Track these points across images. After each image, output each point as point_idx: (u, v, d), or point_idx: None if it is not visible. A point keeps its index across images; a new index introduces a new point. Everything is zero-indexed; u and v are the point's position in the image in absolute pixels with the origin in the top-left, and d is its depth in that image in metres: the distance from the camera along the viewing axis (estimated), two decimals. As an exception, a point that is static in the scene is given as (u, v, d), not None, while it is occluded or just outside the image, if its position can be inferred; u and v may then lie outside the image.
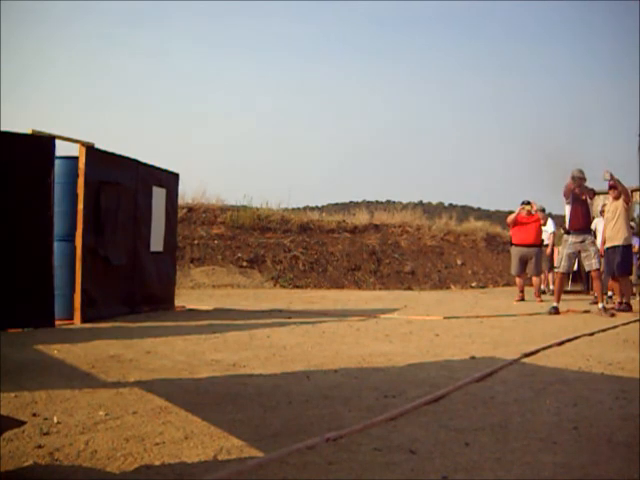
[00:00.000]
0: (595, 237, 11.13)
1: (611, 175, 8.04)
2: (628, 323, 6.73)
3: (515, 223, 10.88)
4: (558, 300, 8.08)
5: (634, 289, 12.17)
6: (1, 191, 5.53)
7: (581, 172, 7.97)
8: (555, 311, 7.86)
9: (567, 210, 8.62)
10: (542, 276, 12.95)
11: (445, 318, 7.18)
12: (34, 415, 2.69)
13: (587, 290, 12.48)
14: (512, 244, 11.08)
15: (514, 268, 10.98)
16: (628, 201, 8.34)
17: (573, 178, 7.89)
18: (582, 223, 7.93)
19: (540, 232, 10.97)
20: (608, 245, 8.45)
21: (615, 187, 8.20)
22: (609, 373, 3.82)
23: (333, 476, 2.02)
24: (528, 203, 10.73)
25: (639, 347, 4.79)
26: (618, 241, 8.26)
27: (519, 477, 2.02)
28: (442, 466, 2.10)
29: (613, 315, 7.59)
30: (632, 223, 13.22)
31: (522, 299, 10.49)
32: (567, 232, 8.26)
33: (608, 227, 8.48)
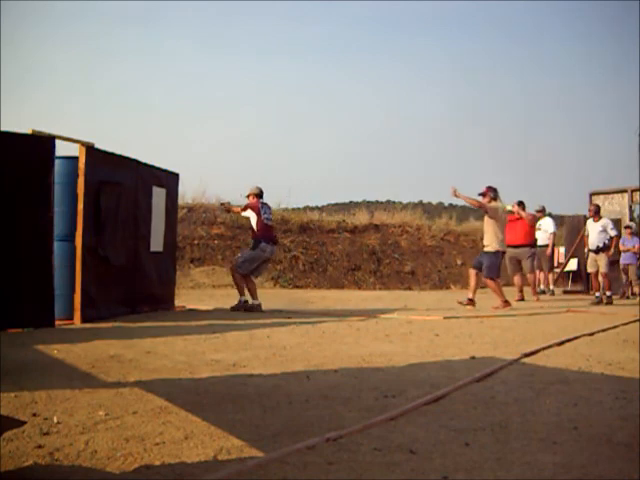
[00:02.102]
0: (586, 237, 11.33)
1: (455, 192, 8.51)
2: (628, 323, 6.73)
3: (506, 224, 10.95)
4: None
5: (635, 288, 12.18)
6: (1, 191, 5.53)
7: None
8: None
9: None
10: (542, 275, 12.95)
11: (445, 318, 7.18)
12: (34, 415, 2.69)
13: (587, 290, 12.49)
14: None
15: (508, 269, 11.11)
16: (486, 210, 8.69)
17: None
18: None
19: (529, 231, 10.96)
20: (484, 250, 8.85)
21: (482, 205, 8.73)
22: (609, 373, 3.82)
23: (333, 476, 2.02)
24: (520, 203, 10.80)
25: (639, 347, 4.79)
26: (489, 248, 8.66)
27: (519, 477, 2.02)
28: (442, 466, 2.10)
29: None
30: (631, 223, 13.25)
31: (521, 299, 10.49)
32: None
33: (484, 236, 8.92)
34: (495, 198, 8.68)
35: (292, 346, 4.86)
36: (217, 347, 4.80)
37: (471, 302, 8.54)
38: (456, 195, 8.53)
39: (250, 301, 7.96)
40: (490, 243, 8.61)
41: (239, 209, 8.49)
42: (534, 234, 11.35)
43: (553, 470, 2.07)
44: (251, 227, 8.22)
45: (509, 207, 10.66)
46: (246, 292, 8.00)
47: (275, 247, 8.49)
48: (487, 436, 2.46)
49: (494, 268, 8.60)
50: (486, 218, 8.75)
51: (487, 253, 8.66)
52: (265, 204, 8.26)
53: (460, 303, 8.54)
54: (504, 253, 8.90)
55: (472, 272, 8.82)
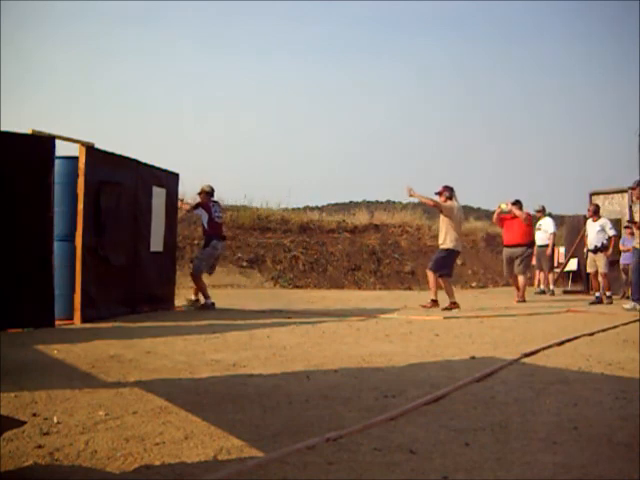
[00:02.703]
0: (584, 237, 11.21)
1: (410, 191, 8.44)
2: (628, 323, 6.73)
3: (503, 224, 10.73)
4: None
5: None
6: (1, 191, 5.53)
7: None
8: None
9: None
10: (542, 275, 12.94)
11: (445, 318, 7.19)
12: (34, 415, 2.69)
13: (587, 290, 12.48)
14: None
15: (505, 270, 10.91)
16: (441, 209, 8.63)
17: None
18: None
19: (527, 230, 10.55)
20: (439, 248, 8.77)
21: (436, 204, 8.65)
22: (609, 373, 3.82)
23: (333, 476, 2.02)
24: (516, 202, 10.48)
25: (639, 347, 4.79)
26: (443, 246, 8.59)
27: (519, 477, 2.02)
28: (442, 466, 2.10)
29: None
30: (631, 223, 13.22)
31: (522, 300, 10.45)
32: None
33: (439, 235, 8.84)
34: (451, 197, 8.61)
35: (292, 346, 4.86)
36: (217, 347, 4.80)
37: (435, 303, 8.39)
38: (412, 194, 8.50)
39: (202, 300, 8.24)
40: (444, 241, 8.56)
41: (189, 206, 8.64)
42: (532, 233, 10.95)
43: (553, 470, 2.07)
44: (202, 225, 8.41)
45: (504, 206, 10.47)
46: (199, 293, 8.32)
47: (225, 243, 8.82)
48: (487, 436, 2.46)
49: (441, 264, 8.53)
50: (442, 217, 8.68)
51: (440, 251, 8.63)
52: (216, 202, 8.53)
53: (424, 307, 8.33)
54: (458, 253, 8.82)
55: (429, 273, 8.74)
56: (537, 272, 13.32)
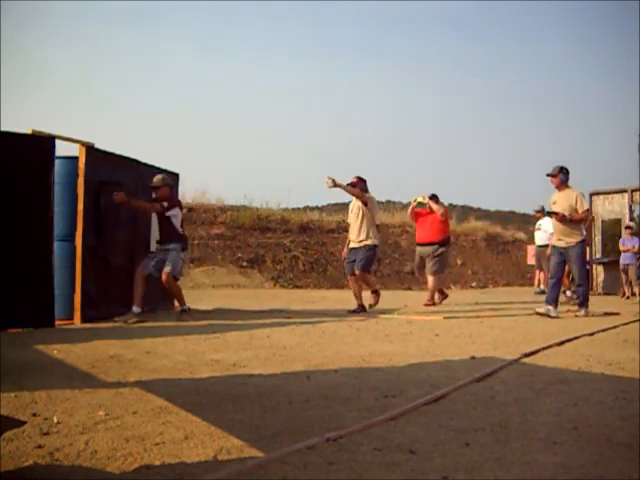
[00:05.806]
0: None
1: (333, 182, 7.81)
2: (628, 323, 6.73)
3: (417, 219, 9.72)
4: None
5: (635, 289, 12.17)
6: (1, 191, 5.53)
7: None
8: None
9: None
10: (542, 275, 12.93)
11: (445, 318, 7.19)
12: (34, 415, 2.69)
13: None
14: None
15: (416, 269, 9.96)
16: (365, 201, 8.08)
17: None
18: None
19: (441, 228, 9.39)
20: (351, 246, 8.17)
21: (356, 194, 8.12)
22: (609, 373, 3.82)
23: (333, 476, 2.02)
24: (433, 197, 9.47)
25: (639, 347, 4.79)
26: (368, 242, 8.02)
27: (519, 477, 2.02)
28: (442, 466, 2.10)
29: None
30: (631, 223, 13.24)
31: (432, 303, 9.25)
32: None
33: (353, 228, 8.18)
34: (366, 190, 8.13)
35: (292, 346, 4.86)
36: (217, 347, 4.80)
37: (363, 308, 7.93)
38: (336, 185, 7.81)
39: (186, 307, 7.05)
40: (367, 237, 7.98)
41: (159, 206, 6.82)
42: (446, 230, 9.61)
43: (553, 470, 2.07)
44: (173, 226, 6.86)
45: (420, 199, 9.47)
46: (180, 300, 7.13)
47: None
48: (487, 436, 2.45)
49: (369, 262, 8.07)
50: (358, 211, 8.08)
51: (362, 248, 7.98)
52: None
53: (353, 311, 7.84)
54: (377, 247, 8.28)
55: (350, 279, 8.18)
56: (537, 272, 13.33)
